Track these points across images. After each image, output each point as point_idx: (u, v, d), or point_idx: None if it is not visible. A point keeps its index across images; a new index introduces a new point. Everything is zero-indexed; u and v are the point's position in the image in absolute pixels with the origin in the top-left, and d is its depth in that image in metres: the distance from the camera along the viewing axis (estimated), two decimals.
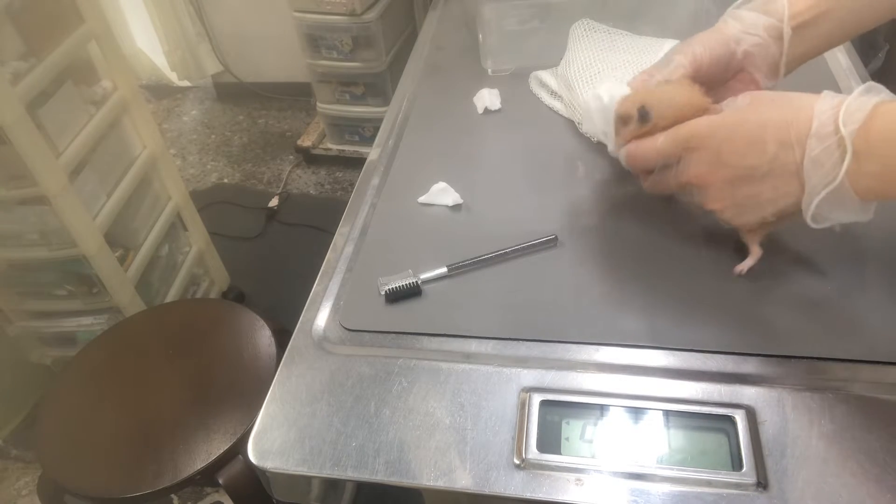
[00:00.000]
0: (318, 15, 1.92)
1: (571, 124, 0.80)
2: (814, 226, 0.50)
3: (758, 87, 0.60)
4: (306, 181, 2.33)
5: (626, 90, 0.60)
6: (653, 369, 0.52)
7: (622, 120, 0.58)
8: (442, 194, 0.70)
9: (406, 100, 0.89)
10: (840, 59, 0.84)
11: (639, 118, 0.56)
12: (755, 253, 0.57)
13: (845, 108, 0.46)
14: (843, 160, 0.45)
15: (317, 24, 1.94)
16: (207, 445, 0.92)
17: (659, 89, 0.58)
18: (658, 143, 0.55)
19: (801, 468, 0.45)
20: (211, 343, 1.07)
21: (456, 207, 0.70)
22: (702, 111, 0.54)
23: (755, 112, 0.51)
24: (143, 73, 2.82)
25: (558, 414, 0.50)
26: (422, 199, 0.71)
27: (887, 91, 0.47)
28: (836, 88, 0.79)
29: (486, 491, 0.46)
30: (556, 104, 0.83)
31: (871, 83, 0.48)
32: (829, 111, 0.46)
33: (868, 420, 0.47)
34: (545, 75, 0.86)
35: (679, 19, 0.93)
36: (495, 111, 0.84)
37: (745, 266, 0.58)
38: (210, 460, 0.90)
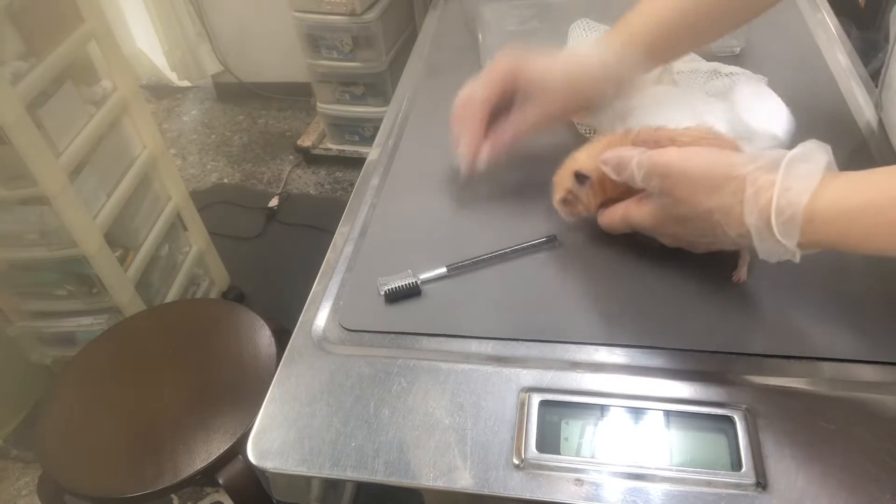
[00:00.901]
0: (318, 15, 1.92)
1: (571, 124, 0.80)
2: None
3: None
4: (306, 181, 2.33)
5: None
6: (652, 369, 0.52)
7: (567, 198, 0.61)
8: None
9: (406, 100, 0.89)
10: (840, 59, 0.84)
11: (578, 183, 0.59)
12: (745, 258, 0.58)
13: (776, 210, 0.44)
14: (793, 256, 0.46)
15: (317, 24, 1.94)
16: (207, 445, 0.92)
17: (578, 154, 0.61)
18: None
19: (801, 468, 0.45)
20: (211, 343, 1.07)
21: (455, 206, 0.70)
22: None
23: (704, 175, 0.49)
24: (143, 73, 2.82)
25: (558, 414, 0.50)
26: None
27: (817, 156, 0.45)
28: (837, 88, 0.79)
29: (486, 491, 0.46)
30: None
31: (800, 153, 0.45)
32: (757, 216, 0.45)
33: (868, 420, 0.47)
34: None
35: None
36: None
37: (741, 273, 0.58)
38: (210, 460, 0.90)
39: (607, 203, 0.60)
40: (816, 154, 0.45)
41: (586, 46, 0.65)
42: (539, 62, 0.63)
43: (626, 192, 0.57)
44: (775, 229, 0.44)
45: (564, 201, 0.61)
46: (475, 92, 0.65)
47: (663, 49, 0.63)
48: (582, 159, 0.60)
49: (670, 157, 0.51)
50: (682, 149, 0.52)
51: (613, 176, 0.55)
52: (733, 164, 0.47)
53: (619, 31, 0.63)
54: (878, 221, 0.42)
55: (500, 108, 0.66)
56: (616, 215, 0.58)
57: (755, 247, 0.47)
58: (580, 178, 0.59)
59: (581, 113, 0.70)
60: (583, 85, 0.63)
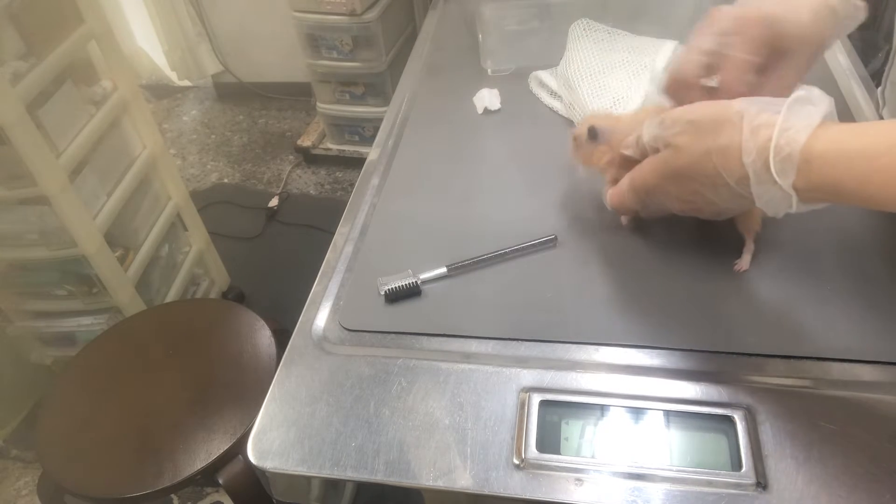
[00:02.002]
0: (318, 15, 1.92)
1: (571, 124, 0.80)
2: None
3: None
4: (306, 181, 2.33)
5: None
6: (652, 369, 0.52)
7: (577, 141, 0.63)
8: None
9: (406, 100, 0.89)
10: (840, 59, 0.85)
11: (588, 136, 0.61)
12: (749, 248, 0.58)
13: (774, 148, 0.44)
14: (789, 202, 0.46)
15: (317, 24, 1.94)
16: (207, 445, 0.92)
17: (612, 116, 0.63)
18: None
19: (801, 468, 0.45)
20: (211, 343, 1.07)
21: (455, 207, 0.70)
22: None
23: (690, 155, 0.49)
24: (143, 73, 2.82)
25: (558, 414, 0.50)
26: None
27: (820, 100, 0.45)
28: (836, 88, 0.79)
29: (486, 491, 0.46)
30: (556, 104, 0.83)
31: (803, 95, 0.45)
32: (755, 155, 0.45)
33: (868, 420, 0.47)
34: (545, 75, 0.85)
35: (679, 19, 0.93)
36: (495, 111, 0.84)
37: (744, 263, 0.58)
38: (210, 460, 0.90)
39: (611, 181, 0.60)
40: (819, 98, 0.45)
41: None
42: (793, 16, 0.53)
43: (624, 164, 0.57)
44: (773, 168, 0.44)
45: (574, 139, 0.64)
46: (726, 73, 0.53)
47: None
48: (609, 118, 0.61)
49: (678, 109, 0.51)
50: (692, 103, 0.51)
51: (633, 154, 0.56)
52: (734, 107, 0.47)
53: None
54: (874, 167, 0.41)
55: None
56: (623, 186, 0.57)
57: (753, 193, 0.46)
58: (592, 133, 0.61)
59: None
60: (824, 39, 0.55)
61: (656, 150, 0.53)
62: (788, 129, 0.44)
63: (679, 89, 0.56)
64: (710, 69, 0.54)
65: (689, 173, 0.50)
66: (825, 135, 0.43)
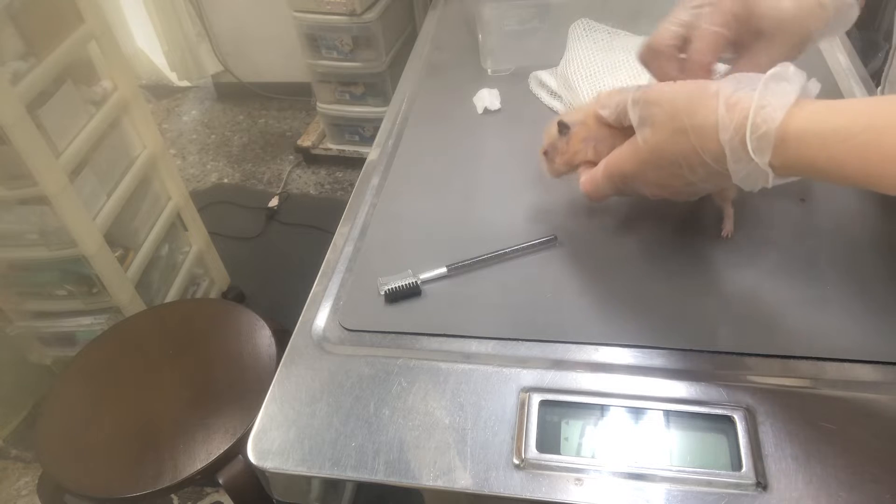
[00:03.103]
0: (318, 15, 1.92)
1: None
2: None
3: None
4: (306, 181, 2.33)
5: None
6: (652, 369, 0.52)
7: (547, 149, 0.61)
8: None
9: (406, 100, 0.89)
10: (840, 59, 0.84)
11: (560, 133, 0.59)
12: (729, 214, 0.59)
13: (751, 126, 0.44)
14: (766, 178, 0.46)
15: (317, 24, 1.94)
16: (207, 445, 0.92)
17: (586, 105, 0.60)
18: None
19: (801, 468, 0.45)
20: (211, 343, 1.07)
21: (455, 207, 0.70)
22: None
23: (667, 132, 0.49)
24: (143, 73, 2.82)
25: (558, 414, 0.50)
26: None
27: (794, 77, 0.45)
28: (836, 88, 0.79)
29: (486, 491, 0.46)
30: (556, 104, 0.83)
31: (778, 72, 0.45)
32: (732, 132, 0.45)
33: (868, 420, 0.47)
34: (545, 75, 0.85)
35: None
36: (495, 111, 0.84)
37: (728, 227, 0.59)
38: (210, 460, 0.90)
39: (584, 165, 0.59)
40: (794, 75, 0.45)
41: None
42: None
43: (604, 151, 0.57)
44: (749, 146, 0.44)
45: (545, 153, 0.62)
46: (697, 43, 0.54)
47: None
48: (577, 111, 0.60)
49: (660, 86, 0.51)
50: (674, 82, 0.51)
51: (607, 116, 0.54)
52: (710, 86, 0.47)
53: None
54: (848, 147, 0.41)
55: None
56: (597, 174, 0.56)
57: (730, 170, 0.46)
58: (562, 127, 0.59)
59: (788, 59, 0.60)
60: (809, 27, 0.55)
61: (624, 124, 0.53)
62: (765, 107, 0.44)
63: (653, 59, 0.56)
64: (684, 41, 0.54)
65: (667, 154, 0.50)
66: (800, 113, 0.43)
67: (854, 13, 0.55)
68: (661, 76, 0.57)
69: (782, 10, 0.53)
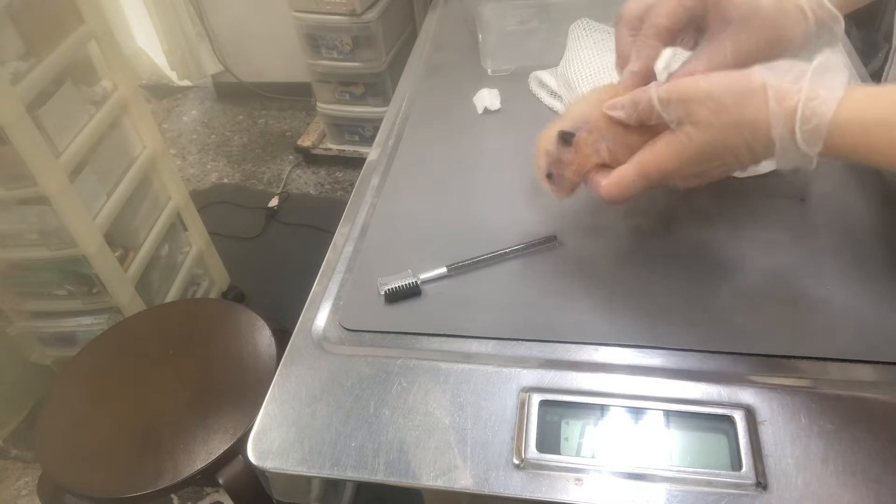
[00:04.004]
0: (318, 15, 1.92)
1: None
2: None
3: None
4: (306, 181, 2.33)
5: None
6: (653, 369, 0.52)
7: (551, 169, 0.56)
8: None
9: (406, 100, 0.89)
10: (840, 59, 0.84)
11: (562, 143, 0.55)
12: None
13: (801, 118, 0.44)
14: (810, 162, 0.46)
15: (317, 24, 1.94)
16: (207, 445, 0.92)
17: (574, 107, 0.57)
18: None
19: (801, 468, 0.45)
20: (211, 343, 1.07)
21: (455, 207, 0.70)
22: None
23: (719, 121, 0.48)
24: (143, 73, 2.82)
25: (558, 414, 0.50)
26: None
27: (841, 66, 0.45)
28: None
29: (486, 491, 0.46)
30: (556, 104, 0.83)
31: (824, 62, 0.45)
32: (782, 125, 0.45)
33: (868, 420, 0.47)
34: (545, 75, 0.85)
35: None
36: (495, 111, 0.84)
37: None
38: (210, 460, 0.90)
39: (595, 169, 0.55)
40: (839, 66, 0.45)
41: None
42: None
43: (619, 150, 0.53)
44: (799, 138, 0.44)
45: (549, 175, 0.56)
46: (657, 7, 0.54)
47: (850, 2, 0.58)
48: (566, 118, 0.56)
49: (690, 80, 0.49)
50: (702, 74, 0.50)
51: (624, 117, 0.52)
52: (753, 76, 0.47)
53: None
54: (891, 136, 0.43)
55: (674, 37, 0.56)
56: (628, 175, 0.52)
57: (776, 158, 0.47)
58: (565, 136, 0.54)
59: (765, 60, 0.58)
60: (786, 29, 0.54)
61: (650, 122, 0.51)
62: (814, 100, 0.44)
63: (616, 24, 0.57)
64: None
65: (716, 149, 0.49)
66: (845, 104, 0.44)
67: (838, 27, 0.55)
68: (618, 42, 0.57)
69: (755, 2, 0.53)
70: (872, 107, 0.43)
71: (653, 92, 0.51)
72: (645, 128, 0.53)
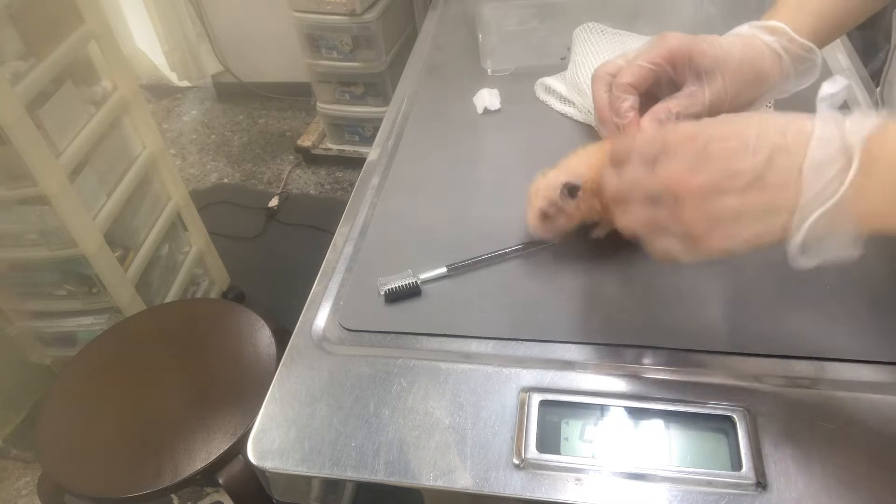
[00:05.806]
0: (318, 15, 1.92)
1: (571, 123, 0.80)
2: (797, 262, 0.43)
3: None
4: (306, 181, 2.33)
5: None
6: (652, 369, 0.52)
7: (548, 211, 0.57)
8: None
9: (406, 100, 0.89)
10: (840, 59, 0.85)
11: (569, 195, 0.56)
12: None
13: (850, 119, 0.40)
14: (848, 168, 0.39)
15: (317, 24, 1.94)
16: (207, 445, 0.92)
17: (569, 161, 0.59)
18: (637, 139, 0.48)
19: (801, 468, 0.45)
20: (211, 343, 1.07)
21: (455, 207, 0.70)
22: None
23: (748, 117, 0.45)
24: (143, 73, 2.82)
25: (558, 414, 0.50)
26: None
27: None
28: None
29: (486, 491, 0.46)
30: (570, 110, 0.82)
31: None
32: (830, 120, 0.41)
33: (868, 420, 0.47)
34: (553, 81, 0.84)
35: (678, 20, 0.93)
36: (495, 111, 0.84)
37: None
38: (210, 460, 0.90)
39: (592, 217, 0.58)
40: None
41: (756, 31, 0.59)
42: (715, 41, 0.57)
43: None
44: (847, 126, 0.40)
45: (545, 216, 0.58)
46: (629, 68, 0.56)
47: (826, 34, 0.60)
48: (571, 168, 0.57)
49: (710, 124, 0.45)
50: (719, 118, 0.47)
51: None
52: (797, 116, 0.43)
53: (783, 17, 0.59)
54: None
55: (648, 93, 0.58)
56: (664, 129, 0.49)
57: (805, 185, 0.41)
58: (571, 189, 0.56)
59: (751, 100, 0.60)
60: (762, 67, 0.56)
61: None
62: (861, 117, 0.40)
63: (593, 81, 0.59)
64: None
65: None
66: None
67: (816, 58, 0.57)
68: (595, 99, 0.59)
69: (723, 48, 0.55)
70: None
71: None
72: None
